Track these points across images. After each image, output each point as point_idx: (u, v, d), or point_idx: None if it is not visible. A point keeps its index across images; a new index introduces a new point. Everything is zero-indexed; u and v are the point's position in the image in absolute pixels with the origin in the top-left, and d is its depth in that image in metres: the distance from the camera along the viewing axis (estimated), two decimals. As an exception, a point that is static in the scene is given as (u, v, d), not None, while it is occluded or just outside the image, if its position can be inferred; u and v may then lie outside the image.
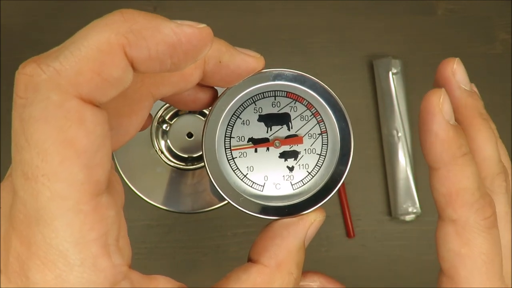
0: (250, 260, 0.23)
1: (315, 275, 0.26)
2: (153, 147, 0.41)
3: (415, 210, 0.53)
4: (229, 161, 0.25)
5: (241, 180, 0.25)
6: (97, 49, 0.16)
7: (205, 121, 0.24)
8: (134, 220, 0.53)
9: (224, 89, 0.24)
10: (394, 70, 0.56)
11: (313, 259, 0.54)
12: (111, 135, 0.19)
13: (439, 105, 0.21)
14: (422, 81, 0.57)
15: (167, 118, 0.42)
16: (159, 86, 0.21)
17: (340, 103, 0.24)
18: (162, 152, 0.42)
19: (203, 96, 0.24)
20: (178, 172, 0.42)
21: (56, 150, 0.15)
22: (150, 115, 0.25)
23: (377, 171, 0.56)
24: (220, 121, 0.24)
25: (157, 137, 0.42)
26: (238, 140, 0.25)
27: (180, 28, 0.17)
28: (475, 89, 0.24)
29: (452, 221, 0.21)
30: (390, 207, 0.55)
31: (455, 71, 0.23)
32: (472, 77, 0.24)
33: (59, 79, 0.16)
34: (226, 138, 0.25)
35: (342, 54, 0.58)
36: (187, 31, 0.18)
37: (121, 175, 0.40)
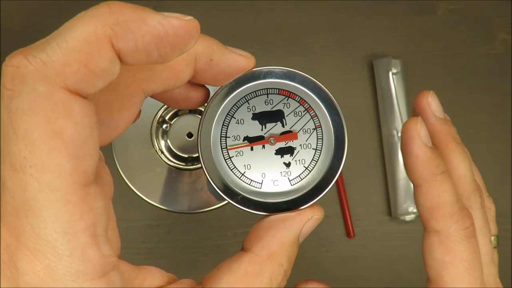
0: (243, 249, 0.23)
1: (318, 284, 0.26)
2: (153, 147, 0.41)
3: (415, 210, 0.53)
4: (226, 160, 0.25)
5: (239, 178, 0.25)
6: (84, 40, 0.16)
7: (200, 122, 0.25)
8: (134, 220, 0.53)
9: (217, 89, 0.25)
10: (394, 70, 0.56)
11: (313, 259, 0.54)
12: (102, 129, 0.21)
13: (417, 131, 0.23)
14: (422, 81, 0.57)
15: (167, 118, 0.42)
16: (150, 82, 0.22)
17: (331, 97, 0.25)
18: (162, 152, 0.42)
19: (195, 95, 0.25)
20: (178, 172, 0.42)
21: (44, 141, 0.15)
22: (140, 110, 0.25)
23: (377, 171, 0.56)
24: (215, 121, 0.25)
25: (157, 137, 0.42)
26: (234, 139, 0.25)
27: (166, 20, 0.18)
28: (448, 118, 0.27)
29: (435, 232, 0.23)
30: (390, 207, 0.55)
31: (430, 102, 0.26)
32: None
33: (45, 71, 0.16)
34: (221, 138, 0.25)
35: (342, 54, 0.58)
36: (174, 23, 0.18)
37: (121, 175, 0.40)
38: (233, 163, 0.25)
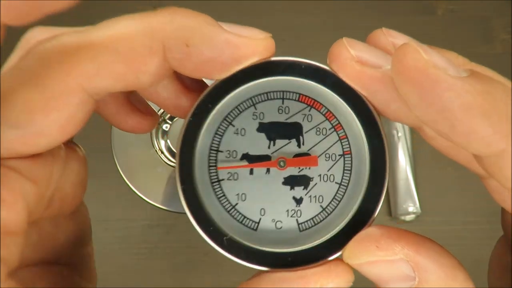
0: None
1: (398, 243, 0.16)
2: (153, 147, 0.41)
3: (415, 210, 0.53)
4: (214, 184, 0.19)
5: (228, 212, 0.19)
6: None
7: (183, 126, 0.18)
8: (134, 220, 0.53)
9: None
10: (394, 70, 0.56)
11: (313, 259, 0.54)
12: (18, 134, 0.16)
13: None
14: (422, 81, 0.57)
15: (167, 118, 0.42)
16: (93, 77, 0.17)
17: (375, 113, 0.17)
18: (162, 152, 0.42)
19: (186, 103, 0.20)
20: (178, 172, 0.42)
21: None
22: (156, 114, 0.22)
23: (377, 171, 0.56)
24: (204, 127, 0.18)
25: (157, 137, 0.42)
26: (228, 155, 0.19)
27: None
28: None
29: None
30: (390, 207, 0.55)
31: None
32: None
33: None
34: (211, 151, 0.19)
35: (342, 54, 0.58)
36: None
37: (121, 175, 0.40)
38: (222, 190, 0.19)
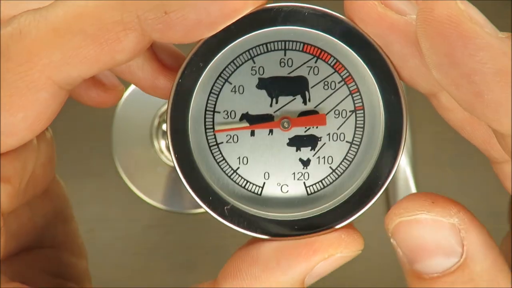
0: (216, 280, 0.17)
1: (454, 205, 0.15)
2: (153, 147, 0.41)
3: (415, 210, 0.53)
4: (212, 148, 0.17)
5: (229, 177, 0.17)
6: None
7: (173, 85, 0.16)
8: (134, 220, 0.53)
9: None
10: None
11: (313, 259, 0.54)
12: None
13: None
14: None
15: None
16: (62, 66, 0.14)
17: (389, 63, 0.15)
18: (162, 152, 0.42)
19: (165, 85, 0.18)
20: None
21: None
22: (120, 87, 0.19)
23: (377, 171, 0.56)
24: (197, 85, 0.16)
25: (157, 137, 0.42)
26: (226, 116, 0.17)
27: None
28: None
29: None
30: (389, 207, 0.55)
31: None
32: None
33: None
34: (207, 113, 0.17)
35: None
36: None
37: (121, 175, 0.40)
38: (221, 154, 0.17)
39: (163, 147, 0.42)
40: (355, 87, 0.16)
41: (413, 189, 0.54)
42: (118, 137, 0.41)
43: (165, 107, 0.41)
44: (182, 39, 0.15)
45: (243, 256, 0.16)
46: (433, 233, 0.14)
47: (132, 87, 0.42)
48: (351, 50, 0.15)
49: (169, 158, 0.41)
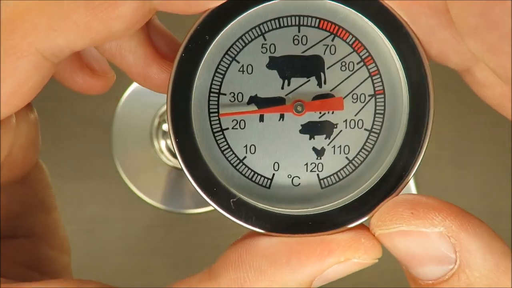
0: (211, 269, 0.16)
1: (439, 213, 0.13)
2: (153, 147, 0.41)
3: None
4: (216, 134, 0.16)
5: (235, 167, 0.16)
6: None
7: (174, 64, 0.15)
8: (134, 220, 0.53)
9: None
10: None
11: (313, 259, 0.54)
12: None
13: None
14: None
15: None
16: (48, 33, 0.13)
17: (417, 42, 0.14)
18: (162, 152, 0.42)
19: (158, 75, 0.16)
20: (178, 172, 0.42)
21: None
22: (111, 73, 0.17)
23: (377, 171, 0.56)
24: (201, 64, 0.15)
25: (157, 137, 0.42)
26: (233, 99, 0.15)
27: None
28: None
29: None
30: (390, 207, 0.55)
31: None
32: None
33: None
34: (211, 95, 0.15)
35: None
36: None
37: (121, 175, 0.40)
38: (226, 141, 0.16)
39: (163, 147, 0.42)
40: (375, 68, 0.15)
41: (413, 189, 0.54)
42: (118, 137, 0.41)
43: (165, 107, 0.41)
44: (186, 7, 0.13)
45: (248, 247, 0.14)
46: (418, 243, 0.13)
47: (132, 87, 0.42)
48: (372, 25, 0.14)
49: (169, 158, 0.41)
